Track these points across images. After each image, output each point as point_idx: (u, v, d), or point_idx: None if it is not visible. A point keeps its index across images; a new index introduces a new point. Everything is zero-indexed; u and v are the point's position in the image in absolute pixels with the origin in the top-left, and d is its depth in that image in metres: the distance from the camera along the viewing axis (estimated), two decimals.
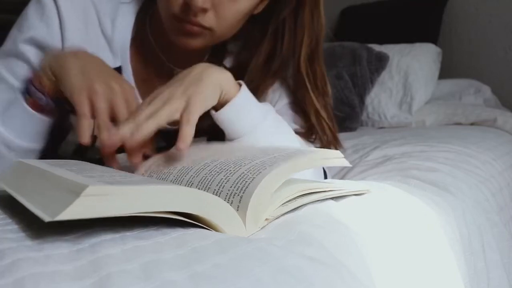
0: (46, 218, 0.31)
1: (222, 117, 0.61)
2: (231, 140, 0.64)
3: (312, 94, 0.74)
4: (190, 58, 0.73)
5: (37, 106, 0.62)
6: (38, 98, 0.61)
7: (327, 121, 0.76)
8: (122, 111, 0.56)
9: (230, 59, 0.80)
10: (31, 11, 0.70)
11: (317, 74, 0.75)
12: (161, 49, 0.75)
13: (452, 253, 0.54)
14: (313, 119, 0.75)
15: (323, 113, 0.75)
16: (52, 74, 0.59)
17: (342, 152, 0.62)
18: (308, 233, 0.37)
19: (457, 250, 0.57)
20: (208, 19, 0.64)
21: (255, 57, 0.75)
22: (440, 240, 0.53)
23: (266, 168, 0.41)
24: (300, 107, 0.77)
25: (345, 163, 0.49)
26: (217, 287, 0.28)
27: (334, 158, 0.48)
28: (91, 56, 0.62)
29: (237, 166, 0.43)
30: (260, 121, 0.63)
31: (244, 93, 0.62)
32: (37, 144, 0.65)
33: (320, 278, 0.31)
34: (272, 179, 0.40)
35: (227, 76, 0.60)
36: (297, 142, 0.71)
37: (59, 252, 0.32)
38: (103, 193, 0.32)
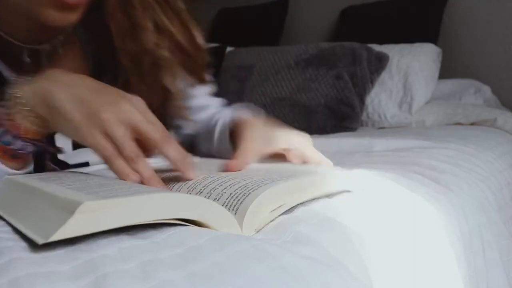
0: (40, 240, 0.30)
1: None
2: None
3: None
4: (40, 34, 0.64)
5: (8, 154, 0.50)
6: (16, 147, 0.50)
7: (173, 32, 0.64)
8: (149, 130, 0.46)
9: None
10: None
11: None
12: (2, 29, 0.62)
13: (452, 251, 0.54)
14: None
15: (168, 24, 0.64)
16: (36, 117, 0.49)
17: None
18: (305, 233, 0.37)
19: (457, 248, 0.57)
20: None
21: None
22: (440, 238, 0.52)
23: (272, 181, 0.41)
24: None
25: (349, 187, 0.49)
26: (214, 287, 0.27)
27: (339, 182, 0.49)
28: (71, 75, 0.51)
29: (244, 178, 0.43)
30: None
31: None
32: None
33: (317, 277, 0.31)
34: (275, 191, 0.40)
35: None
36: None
37: (55, 252, 0.31)
38: (97, 208, 0.31)
